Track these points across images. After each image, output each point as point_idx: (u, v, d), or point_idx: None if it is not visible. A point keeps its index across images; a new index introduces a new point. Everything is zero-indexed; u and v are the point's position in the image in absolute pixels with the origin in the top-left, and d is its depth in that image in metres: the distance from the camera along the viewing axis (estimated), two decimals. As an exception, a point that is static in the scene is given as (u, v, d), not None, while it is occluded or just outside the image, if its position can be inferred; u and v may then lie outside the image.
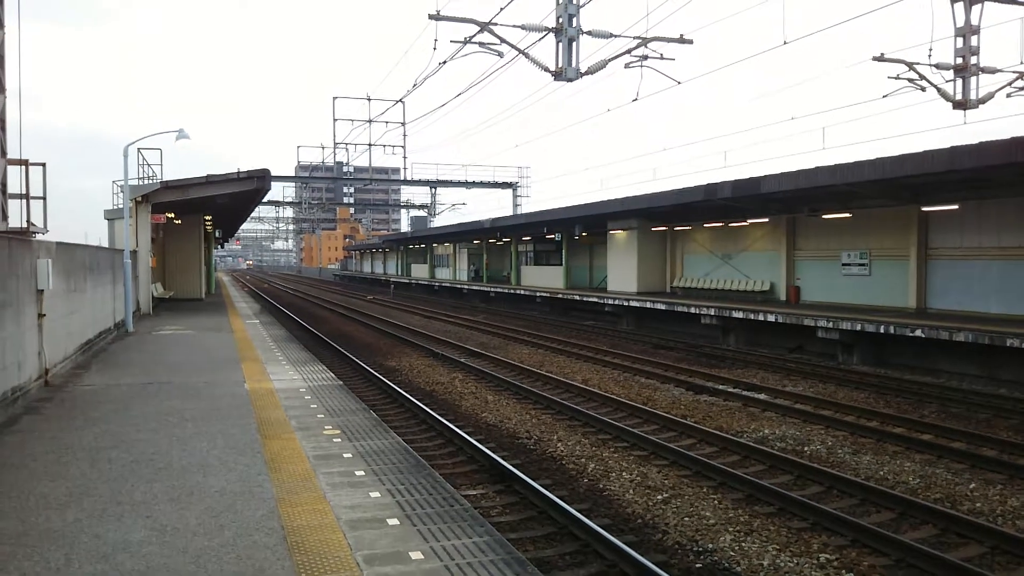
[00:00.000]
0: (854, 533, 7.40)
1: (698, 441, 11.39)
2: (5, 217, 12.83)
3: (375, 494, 6.14)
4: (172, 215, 29.34)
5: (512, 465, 9.43)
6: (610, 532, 7.15)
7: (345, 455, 7.35)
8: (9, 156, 12.98)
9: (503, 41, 15.79)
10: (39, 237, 12.83)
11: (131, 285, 20.40)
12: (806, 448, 10.99)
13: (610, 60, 16.06)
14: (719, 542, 7.34)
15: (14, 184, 13.23)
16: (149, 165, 26.98)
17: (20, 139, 13.27)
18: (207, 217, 35.39)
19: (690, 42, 16.65)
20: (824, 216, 24.17)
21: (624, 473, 9.62)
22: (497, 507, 8.30)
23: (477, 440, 10.83)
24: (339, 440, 7.97)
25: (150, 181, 26.01)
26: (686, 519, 7.97)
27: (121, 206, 22.28)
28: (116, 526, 5.31)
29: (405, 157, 43.79)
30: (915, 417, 12.80)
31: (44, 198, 13.59)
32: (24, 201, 13.21)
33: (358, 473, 6.74)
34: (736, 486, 9.00)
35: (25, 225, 13.14)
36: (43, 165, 13.55)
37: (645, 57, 16.58)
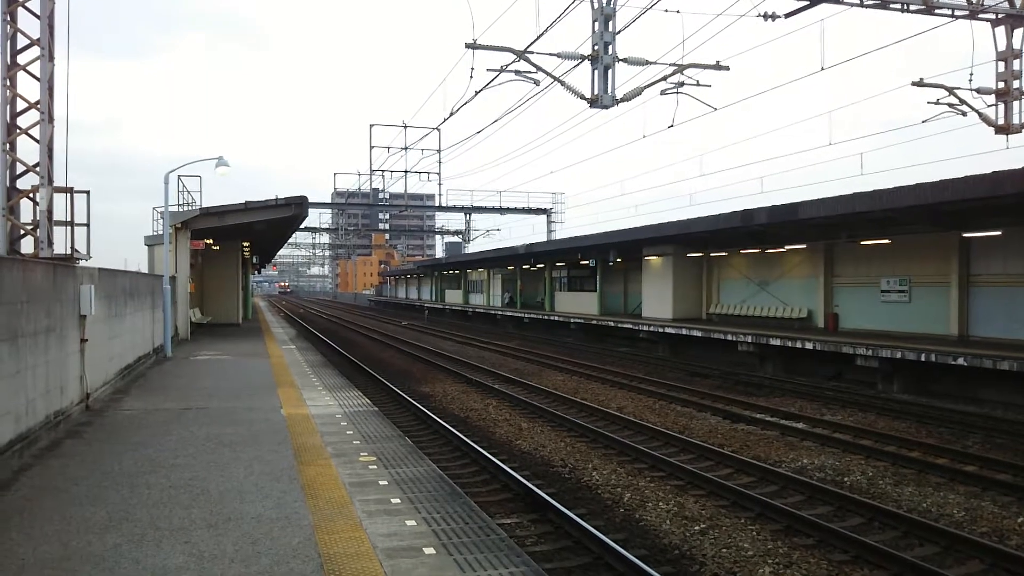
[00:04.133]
0: (897, 567, 7.24)
1: (735, 471, 11.24)
2: (50, 244, 13.10)
3: (411, 522, 6.13)
4: (211, 241, 29.80)
5: (547, 494, 9.37)
6: (647, 563, 7.06)
7: (381, 482, 7.36)
8: (55, 184, 13.27)
9: (539, 69, 15.87)
10: (82, 263, 13.08)
11: (170, 310, 20.70)
12: (846, 479, 10.79)
13: (646, 87, 16.04)
14: (758, 574, 7.22)
15: (59, 211, 13.52)
16: (189, 192, 27.49)
17: (66, 167, 13.57)
18: (245, 243, 35.91)
19: (726, 68, 16.60)
20: (863, 242, 23.87)
21: (660, 503, 9.51)
22: (532, 536, 8.25)
23: (512, 468, 10.78)
24: (375, 467, 7.98)
25: (189, 208, 26.47)
26: (724, 550, 7.85)
27: (161, 232, 22.68)
28: (155, 551, 5.35)
29: (440, 184, 43.98)
30: (959, 448, 12.51)
31: (88, 225, 13.85)
32: (68, 228, 13.49)
33: (394, 501, 6.73)
34: (775, 517, 8.86)
35: (70, 251, 13.40)
36: (87, 193, 13.83)
37: (681, 84, 16.54)
